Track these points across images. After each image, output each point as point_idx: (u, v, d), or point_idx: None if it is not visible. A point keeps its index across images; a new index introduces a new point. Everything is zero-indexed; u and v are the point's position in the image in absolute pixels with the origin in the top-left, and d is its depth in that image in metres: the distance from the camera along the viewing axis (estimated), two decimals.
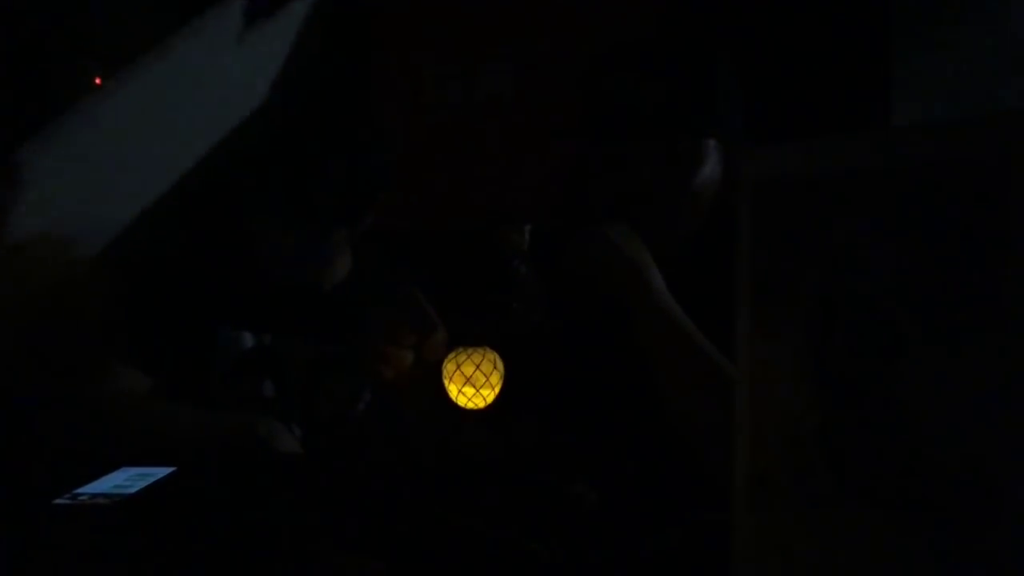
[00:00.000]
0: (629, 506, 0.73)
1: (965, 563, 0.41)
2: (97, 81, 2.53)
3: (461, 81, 3.19)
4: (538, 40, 3.03)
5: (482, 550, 0.63)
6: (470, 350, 0.70)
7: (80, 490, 0.78)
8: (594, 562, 0.61)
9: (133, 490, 0.78)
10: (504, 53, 3.09)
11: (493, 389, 0.69)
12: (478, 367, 0.68)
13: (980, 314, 0.41)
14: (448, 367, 0.70)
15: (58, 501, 0.75)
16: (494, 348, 0.71)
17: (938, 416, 0.42)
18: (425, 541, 0.65)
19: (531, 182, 2.48)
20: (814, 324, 0.48)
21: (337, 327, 1.17)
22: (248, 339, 1.16)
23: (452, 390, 0.69)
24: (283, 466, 0.95)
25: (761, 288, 0.52)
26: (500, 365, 0.70)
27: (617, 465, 0.87)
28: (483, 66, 3.13)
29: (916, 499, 0.43)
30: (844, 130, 0.50)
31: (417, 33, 3.20)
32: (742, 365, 0.53)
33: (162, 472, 0.83)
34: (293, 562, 0.60)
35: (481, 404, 0.69)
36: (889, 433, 0.44)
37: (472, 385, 0.68)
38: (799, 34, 2.36)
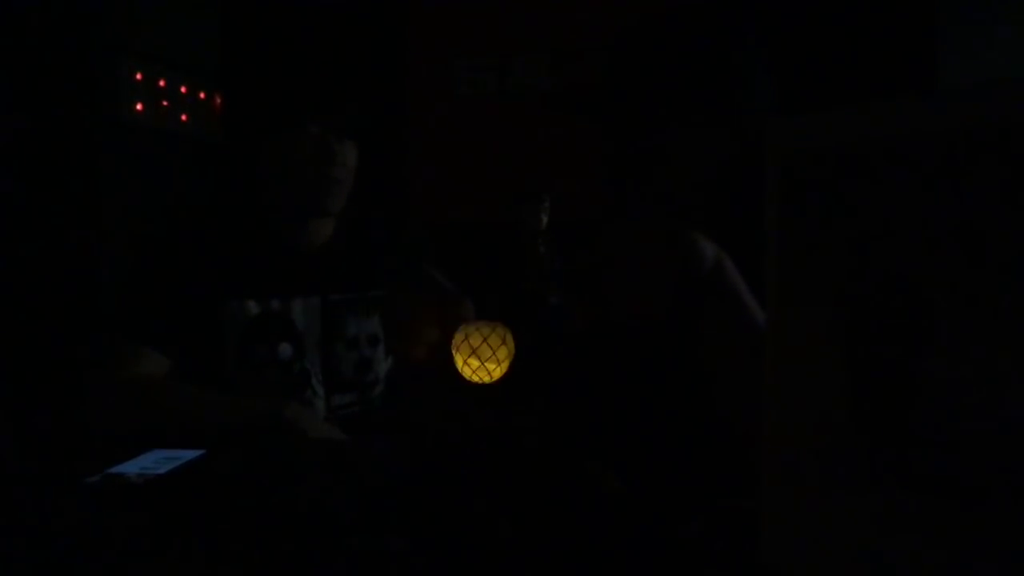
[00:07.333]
0: (653, 492, 0.71)
1: (1001, 548, 0.39)
2: (138, 77, 2.59)
3: (496, 72, 3.19)
4: (572, 31, 3.01)
5: (500, 532, 0.62)
6: (480, 323, 0.69)
7: (111, 470, 0.79)
8: (617, 548, 0.60)
9: (162, 471, 0.79)
10: (539, 44, 3.08)
11: (499, 364, 0.67)
12: (485, 340, 0.67)
13: (1018, 289, 0.39)
14: (457, 338, 0.69)
15: (89, 480, 0.76)
16: (513, 327, 0.69)
17: (973, 396, 0.40)
18: (445, 520, 0.65)
19: (565, 170, 2.46)
20: (844, 302, 0.46)
21: (347, 277, 1.20)
22: (253, 307, 1.17)
23: (458, 360, 0.69)
24: (307, 447, 0.96)
25: (789, 263, 0.50)
26: (510, 341, 0.68)
27: (642, 450, 0.86)
28: (517, 57, 3.13)
29: (950, 482, 0.41)
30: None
31: (452, 25, 3.20)
32: (770, 345, 0.51)
33: (191, 455, 0.85)
34: (314, 541, 0.60)
35: (486, 378, 0.68)
36: (921, 416, 0.42)
37: (477, 357, 0.67)
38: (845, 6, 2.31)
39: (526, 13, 3.12)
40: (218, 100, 2.93)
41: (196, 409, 1.06)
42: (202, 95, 2.87)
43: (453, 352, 0.69)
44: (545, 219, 2.63)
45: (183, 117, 2.78)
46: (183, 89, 2.78)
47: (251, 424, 1.00)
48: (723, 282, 0.74)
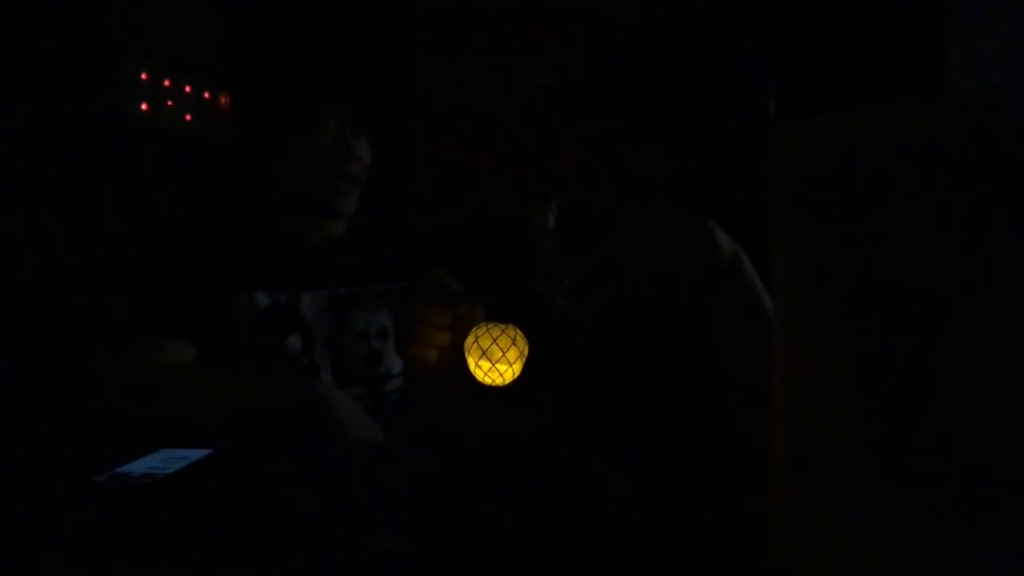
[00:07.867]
0: (660, 492, 0.71)
1: (1008, 548, 0.39)
2: (142, 77, 2.60)
3: (500, 72, 3.19)
4: (575, 32, 3.00)
5: (508, 531, 0.63)
6: (490, 325, 0.69)
7: (119, 469, 0.79)
8: (624, 548, 0.60)
9: (170, 471, 0.79)
10: (542, 44, 3.08)
11: (510, 366, 0.68)
12: (495, 341, 0.67)
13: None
14: (468, 341, 0.69)
15: (97, 480, 0.76)
16: (523, 326, 0.69)
17: (981, 397, 0.40)
18: (457, 522, 0.65)
19: (569, 170, 2.46)
20: (852, 302, 0.46)
21: (355, 272, 1.20)
22: (262, 299, 1.18)
23: (470, 363, 0.69)
24: (313, 448, 0.96)
25: (797, 265, 0.50)
26: (521, 342, 0.68)
27: (649, 450, 0.86)
28: (520, 57, 3.12)
29: (958, 483, 0.41)
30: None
31: (456, 25, 3.20)
32: (778, 345, 0.51)
33: (198, 454, 0.85)
34: (321, 542, 0.60)
35: (498, 380, 0.68)
36: (930, 415, 0.42)
37: (488, 359, 0.67)
38: (852, 9, 2.32)
39: (529, 14, 3.12)
40: (223, 100, 2.93)
41: (227, 391, 1.06)
42: (206, 95, 2.87)
43: (466, 354, 0.69)
44: (552, 220, 2.62)
45: (187, 117, 2.78)
46: (187, 89, 2.79)
47: (281, 403, 1.00)
48: (740, 276, 0.73)
